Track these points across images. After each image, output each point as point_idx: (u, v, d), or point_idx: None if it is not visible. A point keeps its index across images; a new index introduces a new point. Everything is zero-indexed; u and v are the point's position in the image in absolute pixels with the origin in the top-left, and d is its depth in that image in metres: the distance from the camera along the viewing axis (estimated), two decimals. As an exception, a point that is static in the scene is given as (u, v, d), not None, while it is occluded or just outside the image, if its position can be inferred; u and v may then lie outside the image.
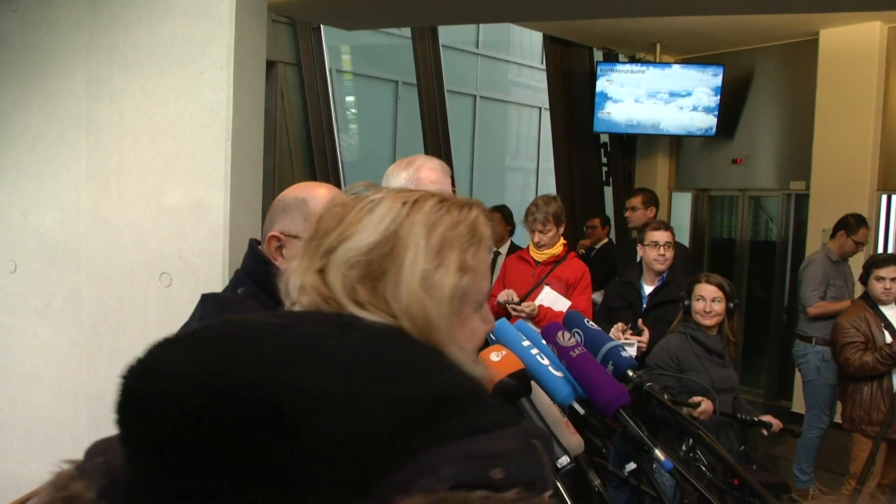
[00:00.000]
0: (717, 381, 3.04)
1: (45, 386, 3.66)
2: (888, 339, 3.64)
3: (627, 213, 4.79)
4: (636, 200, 4.63)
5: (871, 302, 3.73)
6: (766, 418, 3.04)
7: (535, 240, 3.74)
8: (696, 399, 2.74)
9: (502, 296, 3.60)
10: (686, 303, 3.22)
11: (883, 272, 3.69)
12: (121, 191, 3.37)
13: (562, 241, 3.77)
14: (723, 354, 3.19)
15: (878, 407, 3.63)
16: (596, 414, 1.39)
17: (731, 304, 3.19)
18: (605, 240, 5.89)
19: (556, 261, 3.73)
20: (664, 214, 7.05)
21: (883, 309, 3.71)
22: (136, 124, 3.31)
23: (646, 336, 3.42)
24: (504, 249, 5.00)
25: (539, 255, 3.75)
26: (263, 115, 3.35)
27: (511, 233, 5.21)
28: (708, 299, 3.14)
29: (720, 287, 3.16)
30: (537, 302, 3.59)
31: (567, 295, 3.65)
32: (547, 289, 3.64)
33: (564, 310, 3.58)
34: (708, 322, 3.15)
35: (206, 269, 2.79)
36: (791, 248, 6.56)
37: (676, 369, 3.07)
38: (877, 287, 3.70)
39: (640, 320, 3.52)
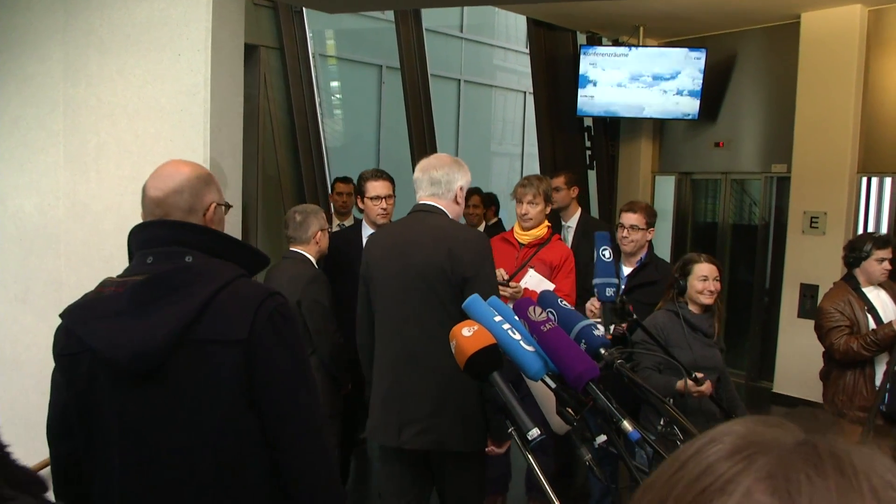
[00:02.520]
0: (701, 360, 3.08)
1: (26, 372, 3.64)
2: (871, 323, 3.64)
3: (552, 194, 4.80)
4: (559, 181, 4.58)
5: (854, 284, 3.73)
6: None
7: (522, 211, 3.70)
8: (701, 375, 2.66)
9: None
10: (682, 283, 3.20)
11: (885, 253, 3.66)
12: (99, 175, 3.35)
13: (546, 223, 3.76)
14: (710, 333, 3.22)
15: (860, 392, 3.64)
16: (567, 388, 1.41)
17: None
18: (494, 220, 5.49)
19: (540, 243, 3.72)
20: (647, 198, 7.10)
21: (866, 291, 3.72)
22: (113, 108, 3.29)
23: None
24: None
25: (523, 237, 3.74)
26: (243, 97, 3.33)
27: (496, 213, 5.18)
28: (711, 278, 3.17)
29: (715, 265, 3.22)
30: (522, 284, 3.59)
31: (551, 277, 3.65)
32: (531, 271, 3.63)
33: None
34: (708, 301, 3.17)
35: (185, 253, 2.78)
36: (773, 231, 6.61)
37: (663, 345, 3.05)
38: (876, 268, 3.66)
39: (629, 306, 3.53)
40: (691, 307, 3.20)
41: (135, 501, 1.59)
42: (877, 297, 3.72)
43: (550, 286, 3.57)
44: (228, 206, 1.82)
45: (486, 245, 2.73)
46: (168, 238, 1.63)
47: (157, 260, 1.61)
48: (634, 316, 1.93)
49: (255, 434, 1.58)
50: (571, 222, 4.57)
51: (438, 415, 2.57)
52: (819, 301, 3.83)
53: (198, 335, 1.54)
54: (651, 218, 3.66)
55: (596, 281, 1.99)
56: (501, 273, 3.57)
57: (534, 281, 3.60)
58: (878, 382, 3.58)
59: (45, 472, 3.53)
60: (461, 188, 2.76)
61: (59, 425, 1.68)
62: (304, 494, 1.63)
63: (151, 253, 1.62)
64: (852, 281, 3.73)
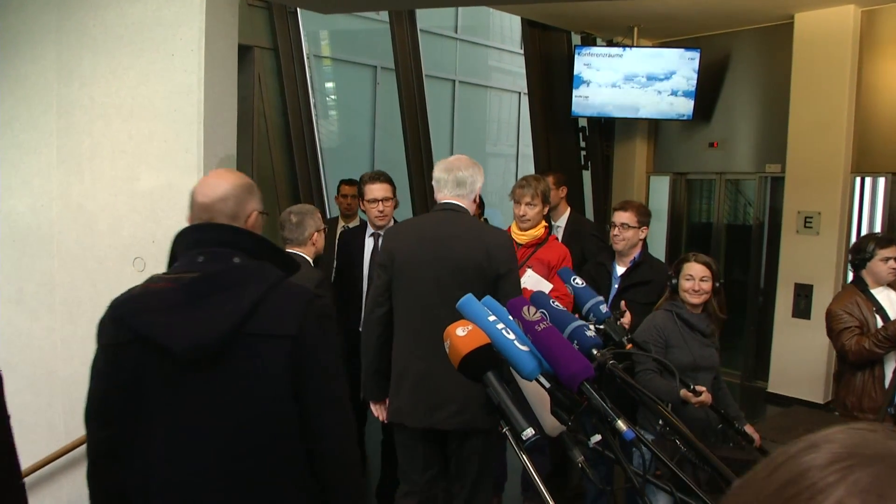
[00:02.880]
0: (700, 360, 3.12)
1: (20, 373, 3.63)
2: (880, 322, 3.62)
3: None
4: (548, 181, 4.61)
5: (862, 286, 3.71)
6: (749, 430, 3.05)
7: (520, 212, 3.72)
8: (700, 388, 2.68)
9: None
10: (674, 281, 3.24)
11: (889, 252, 3.65)
12: (93, 175, 3.34)
13: (543, 223, 3.78)
14: (707, 333, 3.22)
15: (868, 394, 3.61)
16: (561, 388, 1.40)
17: (717, 284, 3.21)
18: (481, 220, 5.37)
19: (537, 243, 3.74)
20: (642, 198, 7.10)
21: (875, 293, 3.70)
22: (107, 108, 3.28)
23: (627, 318, 3.40)
24: None
25: (521, 238, 3.74)
26: (236, 98, 3.33)
27: (482, 212, 5.16)
28: (696, 278, 3.17)
29: (707, 266, 3.19)
30: (521, 284, 3.60)
31: (548, 277, 3.65)
32: (529, 271, 3.63)
33: (547, 292, 3.60)
34: (695, 300, 3.18)
35: (179, 253, 2.78)
36: (767, 231, 6.62)
37: (663, 345, 3.12)
38: (882, 268, 3.65)
39: (623, 302, 3.53)
40: (689, 307, 3.21)
41: (175, 487, 1.68)
42: (886, 297, 3.69)
43: (549, 286, 3.57)
44: (266, 214, 1.95)
45: (513, 246, 3.01)
46: (217, 240, 1.77)
47: (207, 259, 1.73)
48: (628, 335, 1.88)
49: (293, 423, 1.70)
50: (560, 222, 4.59)
51: (471, 397, 2.69)
52: (829, 304, 3.78)
53: (250, 329, 1.67)
54: (643, 216, 3.65)
55: (586, 307, 1.92)
56: None
57: (532, 281, 3.60)
58: (887, 383, 3.56)
59: (47, 470, 3.52)
60: (479, 189, 3.00)
61: (99, 413, 1.74)
62: (336, 476, 1.78)
63: (202, 252, 1.74)
64: (860, 283, 3.70)
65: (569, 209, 4.67)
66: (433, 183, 2.97)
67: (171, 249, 1.84)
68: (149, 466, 1.68)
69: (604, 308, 1.93)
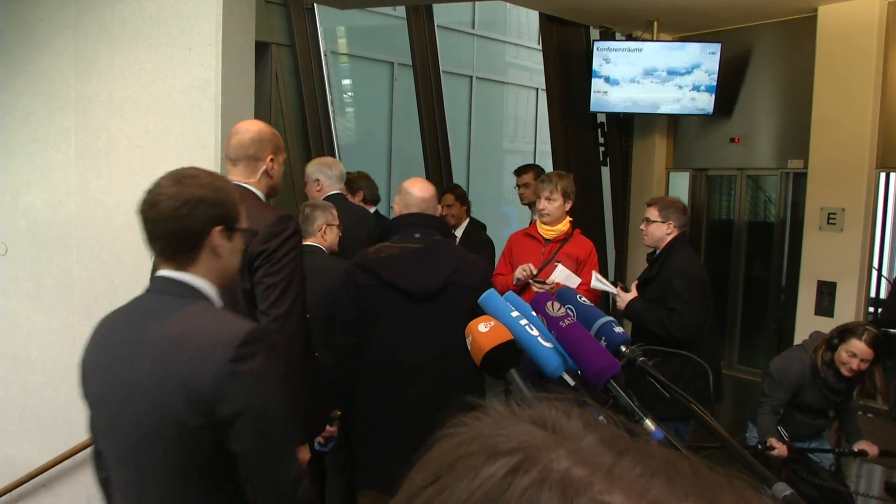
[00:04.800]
0: (816, 404, 3.36)
1: (38, 368, 3.64)
2: None
3: (521, 191, 4.75)
4: (528, 177, 4.61)
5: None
6: (863, 446, 3.13)
7: (540, 206, 3.73)
8: (773, 442, 3.17)
9: (520, 271, 3.58)
10: (835, 342, 3.25)
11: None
12: (111, 170, 3.34)
13: (568, 218, 3.77)
14: (837, 391, 3.33)
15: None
16: (586, 385, 1.36)
17: (885, 362, 3.35)
18: (467, 220, 5.13)
19: (564, 238, 3.75)
20: (661, 194, 7.01)
21: None
22: (124, 103, 3.27)
23: (630, 295, 3.55)
24: (460, 231, 4.95)
25: (548, 233, 3.76)
26: (254, 91, 3.31)
27: (468, 212, 5.12)
28: (858, 358, 3.18)
29: (875, 347, 3.18)
30: (551, 279, 3.59)
31: (577, 271, 3.65)
32: (560, 266, 3.65)
33: (576, 287, 3.58)
34: (846, 374, 3.22)
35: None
36: (789, 227, 6.52)
37: (792, 389, 3.33)
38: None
39: (635, 283, 3.64)
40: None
41: (407, 368, 2.71)
42: None
43: (578, 280, 3.58)
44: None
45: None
46: (424, 223, 2.82)
47: (423, 236, 2.77)
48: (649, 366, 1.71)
49: None
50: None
51: None
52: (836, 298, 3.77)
53: (454, 280, 2.70)
54: (667, 210, 3.58)
55: (595, 326, 1.68)
56: (531, 268, 3.57)
57: (563, 275, 3.60)
58: None
59: (66, 465, 3.53)
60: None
61: (347, 325, 2.78)
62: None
63: (416, 230, 2.78)
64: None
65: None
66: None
67: (385, 227, 2.97)
68: (386, 357, 2.72)
69: (618, 329, 1.68)
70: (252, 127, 2.49)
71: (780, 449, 3.15)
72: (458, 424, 0.48)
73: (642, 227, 3.66)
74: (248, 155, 2.42)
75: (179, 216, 1.50)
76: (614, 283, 3.65)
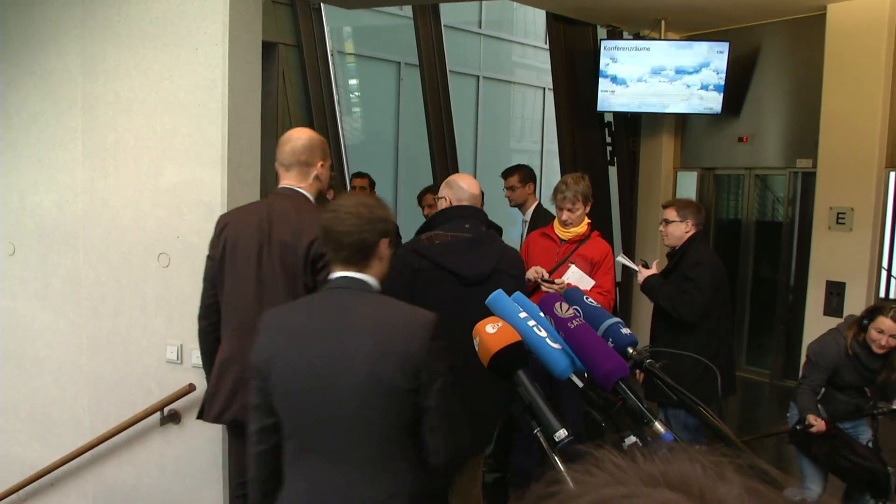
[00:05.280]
0: (853, 383, 3.52)
1: (46, 368, 3.65)
2: None
3: (507, 194, 4.75)
4: (514, 179, 4.62)
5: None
6: None
7: (564, 218, 3.74)
8: (812, 419, 3.37)
9: (531, 273, 3.58)
10: (864, 322, 3.45)
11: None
12: (117, 170, 3.34)
13: (586, 219, 3.77)
14: (873, 370, 3.50)
15: None
16: (595, 387, 1.35)
17: None
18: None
19: (580, 239, 3.74)
20: (669, 194, 6.99)
21: None
22: (131, 103, 3.27)
23: (649, 271, 3.75)
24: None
25: (564, 234, 3.76)
26: (260, 91, 3.30)
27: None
28: (887, 334, 3.37)
29: None
30: (564, 280, 3.58)
31: (591, 274, 3.64)
32: (573, 267, 3.65)
33: (589, 289, 3.57)
34: (879, 352, 3.41)
35: (203, 249, 2.75)
36: (798, 227, 6.48)
37: (829, 370, 3.52)
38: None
39: (656, 261, 3.87)
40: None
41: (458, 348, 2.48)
42: None
43: (591, 282, 3.58)
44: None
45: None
46: (472, 215, 3.01)
47: (471, 227, 2.95)
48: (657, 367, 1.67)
49: None
50: (528, 216, 4.62)
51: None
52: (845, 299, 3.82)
53: (500, 267, 2.89)
54: (684, 211, 3.78)
55: (602, 327, 1.65)
56: (542, 271, 3.56)
57: (575, 277, 3.60)
58: None
59: (73, 465, 3.53)
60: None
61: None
62: None
63: (466, 222, 2.96)
64: None
65: (537, 201, 4.72)
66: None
67: (430, 218, 3.22)
68: None
69: (625, 331, 1.69)
70: (303, 134, 2.71)
71: (818, 425, 3.34)
72: (561, 480, 0.40)
73: (661, 228, 3.83)
74: (301, 161, 2.66)
75: (362, 231, 1.94)
76: (637, 262, 3.83)
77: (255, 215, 2.65)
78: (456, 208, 3.04)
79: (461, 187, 3.07)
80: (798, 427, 3.44)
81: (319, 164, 2.68)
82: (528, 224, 4.57)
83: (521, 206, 4.68)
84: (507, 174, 4.80)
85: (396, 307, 1.95)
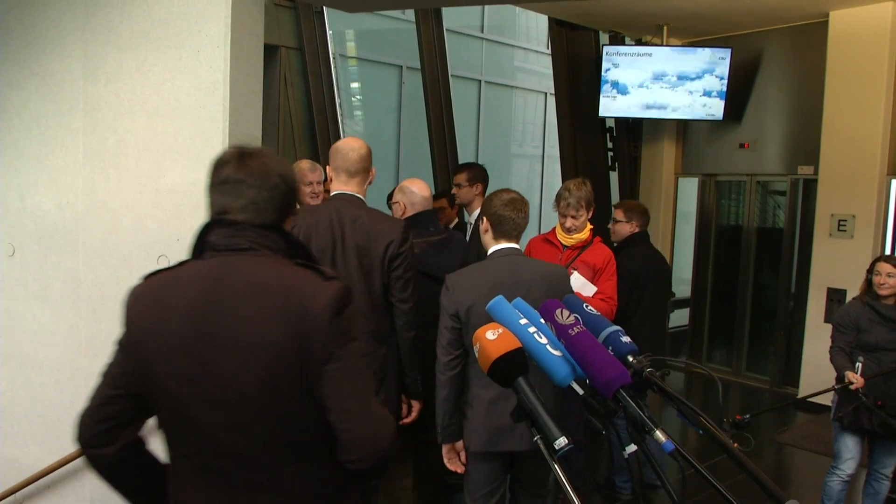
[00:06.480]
0: (883, 343, 3.74)
1: (45, 370, 3.63)
2: None
3: (454, 191, 4.61)
4: (461, 178, 4.47)
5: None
6: None
7: (567, 225, 3.68)
8: (851, 376, 3.64)
9: None
10: (870, 277, 3.83)
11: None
12: (118, 172, 3.33)
13: (588, 225, 3.74)
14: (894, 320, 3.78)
15: None
16: (595, 395, 1.34)
17: None
18: (456, 220, 5.06)
19: (582, 245, 3.71)
20: (670, 200, 7.00)
21: None
22: (133, 105, 3.26)
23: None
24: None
25: (567, 240, 3.71)
26: (262, 94, 3.29)
27: (458, 213, 5.03)
28: (883, 273, 3.75)
29: (894, 264, 3.78)
30: None
31: (593, 280, 3.61)
32: (575, 273, 3.60)
33: (591, 296, 3.55)
34: (883, 292, 3.75)
35: (203, 251, 2.75)
36: (799, 234, 6.48)
37: (854, 329, 3.81)
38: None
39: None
40: (882, 299, 3.77)
41: None
42: None
43: (593, 289, 3.56)
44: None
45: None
46: (431, 218, 3.29)
47: (434, 229, 3.26)
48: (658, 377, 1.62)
49: None
50: (472, 218, 4.45)
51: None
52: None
53: (467, 262, 3.09)
54: (630, 212, 4.33)
55: (602, 335, 1.59)
56: None
57: (577, 284, 3.56)
58: None
59: (71, 467, 3.52)
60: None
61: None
62: None
63: (430, 225, 3.27)
64: None
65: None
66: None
67: (421, 222, 3.39)
68: None
69: (625, 339, 1.63)
70: (359, 143, 3.02)
71: (857, 382, 3.63)
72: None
73: (609, 226, 4.36)
74: (363, 169, 2.99)
75: None
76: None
77: (325, 218, 2.92)
78: (420, 214, 3.27)
79: (414, 192, 3.30)
80: (837, 386, 3.74)
81: (371, 171, 3.04)
82: (472, 227, 4.41)
83: (468, 206, 4.50)
84: (456, 170, 4.69)
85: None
